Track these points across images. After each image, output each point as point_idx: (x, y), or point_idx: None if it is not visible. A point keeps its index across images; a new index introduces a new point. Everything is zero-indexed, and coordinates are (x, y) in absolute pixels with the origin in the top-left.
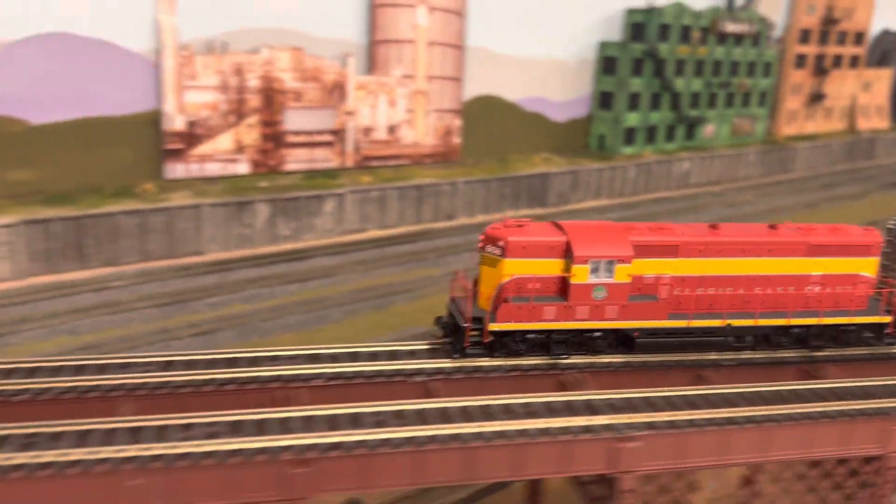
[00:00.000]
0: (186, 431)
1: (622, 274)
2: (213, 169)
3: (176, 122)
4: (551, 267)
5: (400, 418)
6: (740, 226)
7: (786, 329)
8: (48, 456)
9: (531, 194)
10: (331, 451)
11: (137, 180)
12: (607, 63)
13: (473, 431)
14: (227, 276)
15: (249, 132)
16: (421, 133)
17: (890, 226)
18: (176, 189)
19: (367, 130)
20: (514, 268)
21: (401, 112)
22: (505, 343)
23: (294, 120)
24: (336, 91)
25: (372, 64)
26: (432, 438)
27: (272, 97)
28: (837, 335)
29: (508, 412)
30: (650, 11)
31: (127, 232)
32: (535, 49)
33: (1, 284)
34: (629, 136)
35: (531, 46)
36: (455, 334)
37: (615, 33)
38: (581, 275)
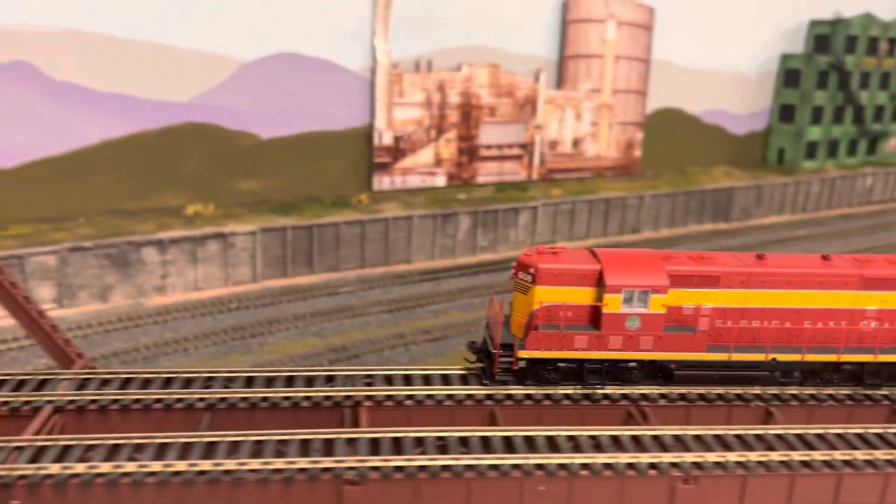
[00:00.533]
0: (572, 442)
1: (657, 304)
2: (413, 181)
3: (384, 137)
4: (583, 295)
5: (763, 441)
6: (789, 256)
7: (837, 365)
8: (465, 459)
9: (715, 208)
10: (714, 470)
11: (349, 191)
12: (789, 76)
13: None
14: (438, 285)
15: (447, 146)
16: (603, 146)
17: None
18: (384, 200)
19: (553, 144)
20: (545, 295)
21: (586, 125)
22: (536, 371)
23: (488, 134)
24: (527, 106)
25: (561, 79)
26: (806, 464)
27: (469, 112)
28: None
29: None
30: (836, 23)
31: (347, 240)
32: (718, 62)
33: (242, 287)
34: (810, 149)
35: (714, 59)
36: (488, 360)
37: (798, 45)
38: (614, 304)
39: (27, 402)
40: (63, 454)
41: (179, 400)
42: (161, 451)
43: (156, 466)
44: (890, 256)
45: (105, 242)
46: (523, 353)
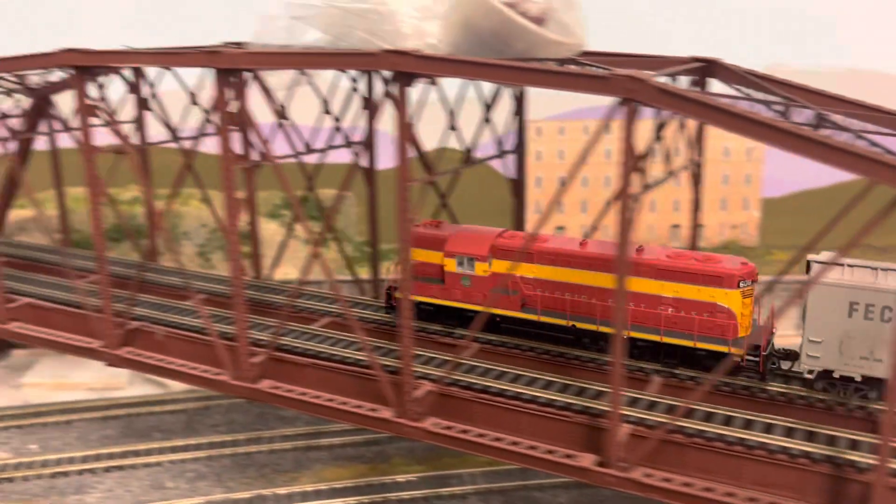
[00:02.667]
0: None
1: (480, 269)
2: None
3: None
4: (436, 257)
5: None
6: (605, 243)
7: (634, 341)
8: None
9: None
10: None
11: None
12: None
13: None
14: None
15: None
16: None
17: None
18: None
19: None
20: (416, 254)
21: None
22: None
23: None
24: None
25: None
26: None
27: None
28: (697, 359)
29: None
30: None
31: None
32: None
33: None
34: None
35: None
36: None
37: None
38: (451, 265)
39: None
40: None
41: None
42: None
43: None
44: (702, 254)
45: None
46: (396, 294)
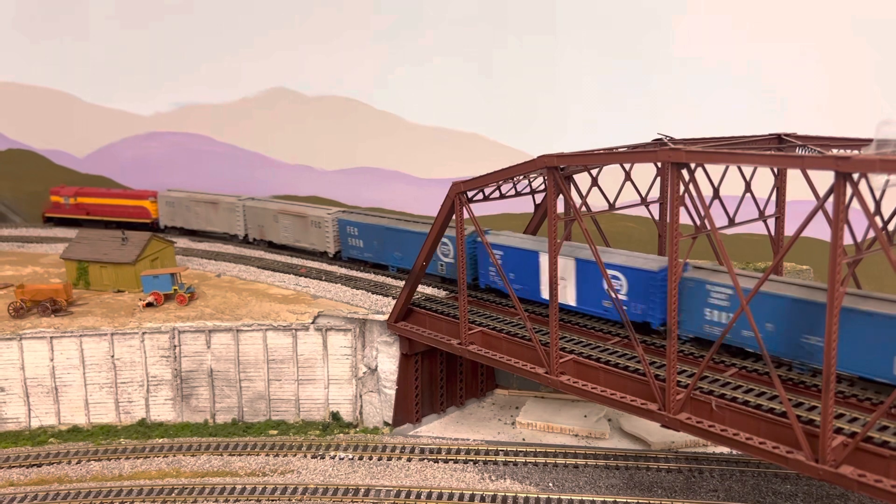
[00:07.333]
0: None
1: (72, 200)
2: None
3: None
4: (60, 198)
5: None
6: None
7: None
8: None
9: None
10: None
11: None
12: None
13: None
14: None
15: None
16: None
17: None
18: None
19: None
20: (54, 198)
21: None
22: None
23: None
24: None
25: None
26: None
27: None
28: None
29: None
30: None
31: None
32: None
33: None
34: None
35: None
36: None
37: None
38: (60, 200)
39: None
40: None
41: None
42: None
43: None
44: (144, 190)
45: None
46: (46, 214)
